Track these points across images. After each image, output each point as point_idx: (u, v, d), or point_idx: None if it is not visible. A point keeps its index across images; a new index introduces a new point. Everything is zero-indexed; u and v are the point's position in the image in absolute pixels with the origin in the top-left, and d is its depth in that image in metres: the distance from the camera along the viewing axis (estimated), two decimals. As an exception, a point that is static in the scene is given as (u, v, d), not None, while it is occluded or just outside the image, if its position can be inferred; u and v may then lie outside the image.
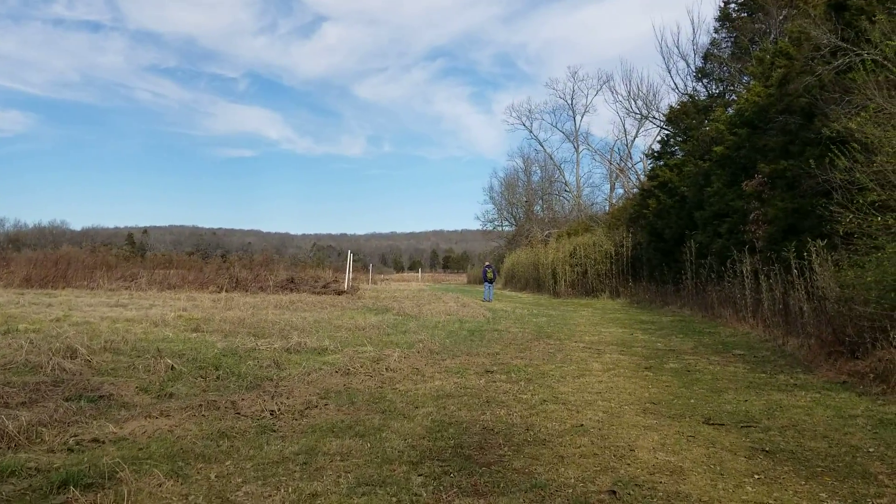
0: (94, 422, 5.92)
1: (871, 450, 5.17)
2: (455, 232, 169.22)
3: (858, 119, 9.04)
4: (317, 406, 6.83)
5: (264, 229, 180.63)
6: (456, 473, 4.61)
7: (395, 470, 4.68)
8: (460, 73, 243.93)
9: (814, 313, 10.85)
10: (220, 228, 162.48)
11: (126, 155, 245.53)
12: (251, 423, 6.07)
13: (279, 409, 6.59)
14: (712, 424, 6.12)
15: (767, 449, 5.25)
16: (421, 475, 4.57)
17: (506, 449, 5.27)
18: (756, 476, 4.60)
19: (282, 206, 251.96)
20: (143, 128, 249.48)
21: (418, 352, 10.78)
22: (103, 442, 5.36)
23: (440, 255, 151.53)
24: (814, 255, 11.62)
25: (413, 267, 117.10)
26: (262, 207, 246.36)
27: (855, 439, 5.50)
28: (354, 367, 9.04)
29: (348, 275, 28.28)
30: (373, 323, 14.95)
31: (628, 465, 4.86)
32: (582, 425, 6.04)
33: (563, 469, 4.74)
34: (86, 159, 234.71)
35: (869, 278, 7.80)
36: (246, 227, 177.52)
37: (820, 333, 9.90)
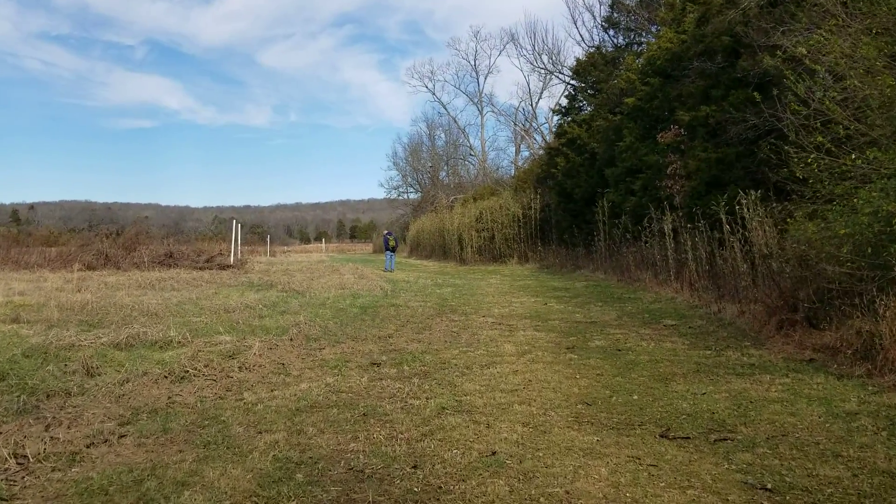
0: None
1: (917, 480, 3.51)
2: (362, 201, 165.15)
3: (812, 41, 7.49)
4: (107, 440, 4.60)
5: (163, 202, 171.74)
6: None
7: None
8: (368, 40, 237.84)
9: (752, 275, 9.45)
10: (115, 203, 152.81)
11: (14, 127, 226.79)
12: (-22, 483, 3.81)
13: (41, 452, 4.33)
14: (674, 439, 4.36)
15: (770, 486, 3.50)
16: None
17: (376, 514, 3.30)
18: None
19: (182, 179, 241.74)
20: (33, 98, 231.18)
21: (291, 339, 8.64)
22: None
23: (347, 226, 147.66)
24: (746, 209, 10.26)
25: (319, 238, 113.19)
26: (162, 180, 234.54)
27: (880, 459, 3.81)
28: (196, 368, 6.79)
29: (234, 247, 25.37)
30: (249, 302, 12.58)
31: (571, 540, 2.98)
32: (495, 454, 4.14)
33: (465, 560, 2.81)
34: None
35: (841, 231, 6.25)
36: (144, 202, 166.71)
37: (765, 298, 8.45)
